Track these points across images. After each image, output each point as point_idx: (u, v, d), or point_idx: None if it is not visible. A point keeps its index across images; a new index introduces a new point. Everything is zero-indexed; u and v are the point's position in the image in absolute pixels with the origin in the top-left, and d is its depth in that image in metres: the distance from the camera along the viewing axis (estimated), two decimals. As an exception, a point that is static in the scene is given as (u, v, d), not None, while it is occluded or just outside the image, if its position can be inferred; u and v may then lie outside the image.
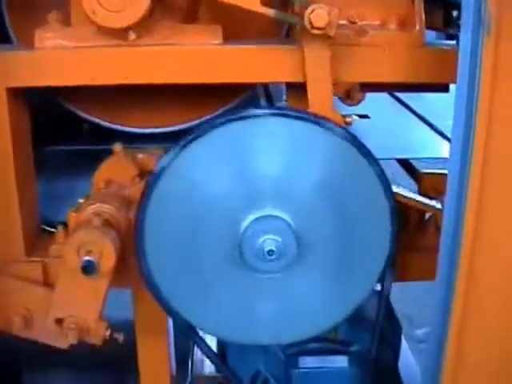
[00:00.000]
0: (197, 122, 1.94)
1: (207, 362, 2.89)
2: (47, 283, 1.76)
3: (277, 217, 1.53)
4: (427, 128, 2.67)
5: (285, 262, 1.55)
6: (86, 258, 1.52)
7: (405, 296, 3.19)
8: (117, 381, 2.79)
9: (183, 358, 2.80)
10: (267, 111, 1.54)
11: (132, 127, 2.01)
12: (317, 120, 1.52)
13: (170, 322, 1.98)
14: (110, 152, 1.78)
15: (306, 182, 1.54)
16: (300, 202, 1.55)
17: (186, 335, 1.72)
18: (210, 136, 1.53)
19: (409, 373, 2.48)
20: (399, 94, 3.00)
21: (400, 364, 2.25)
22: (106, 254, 1.53)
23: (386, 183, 1.55)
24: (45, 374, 2.55)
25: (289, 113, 1.53)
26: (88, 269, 1.52)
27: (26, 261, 1.76)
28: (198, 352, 2.91)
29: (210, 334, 1.73)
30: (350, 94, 1.88)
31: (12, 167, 1.67)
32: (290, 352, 2.03)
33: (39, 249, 1.80)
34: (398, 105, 2.97)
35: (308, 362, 1.98)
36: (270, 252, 1.53)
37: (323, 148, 1.54)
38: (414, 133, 2.68)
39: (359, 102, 1.93)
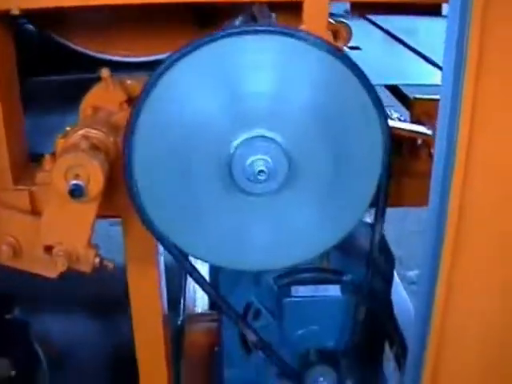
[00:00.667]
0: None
1: (199, 302, 2.89)
2: (35, 212, 1.74)
3: (267, 137, 1.50)
4: (419, 58, 2.64)
5: (275, 184, 1.53)
6: (74, 181, 1.50)
7: (397, 238, 3.21)
8: (110, 323, 2.80)
9: (175, 299, 2.81)
10: (256, 28, 1.50)
11: (119, 56, 1.97)
12: (309, 38, 1.48)
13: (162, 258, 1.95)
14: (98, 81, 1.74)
15: (297, 102, 1.51)
16: (291, 122, 1.51)
17: (179, 264, 1.68)
18: (195, 55, 1.49)
19: (402, 306, 2.47)
20: (392, 29, 2.97)
21: (393, 297, 2.24)
22: (94, 178, 1.51)
23: (380, 108, 1.52)
24: (35, 316, 2.53)
25: (280, 29, 1.49)
26: (76, 192, 1.50)
27: (13, 189, 1.74)
28: (189, 291, 2.92)
29: (200, 259, 1.71)
30: (337, 33, 1.85)
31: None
32: (282, 283, 2.01)
33: (27, 178, 1.78)
34: (389, 39, 2.93)
35: (300, 291, 1.97)
36: (261, 173, 1.50)
37: (315, 67, 1.51)
38: (405, 62, 2.65)
39: (347, 41, 1.90)
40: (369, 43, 2.72)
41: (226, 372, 2.22)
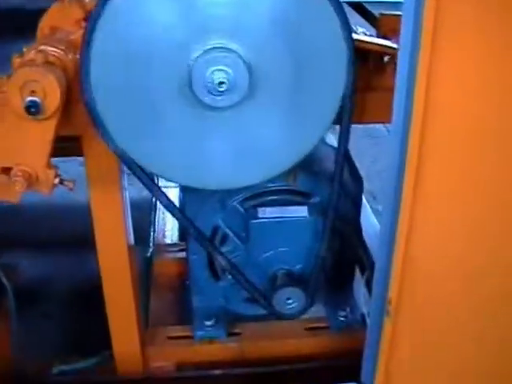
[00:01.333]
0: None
1: (168, 233, 2.89)
2: None
3: (227, 48, 1.48)
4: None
5: (236, 96, 1.51)
6: (30, 97, 1.46)
7: (369, 172, 3.20)
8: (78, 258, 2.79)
9: (144, 232, 2.80)
10: None
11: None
12: None
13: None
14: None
15: (258, 12, 1.48)
16: (252, 32, 1.49)
17: (145, 186, 1.67)
18: None
19: (371, 231, 2.48)
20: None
21: (362, 222, 2.24)
22: (51, 93, 1.47)
23: (343, 18, 1.50)
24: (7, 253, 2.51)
25: None
26: (32, 109, 1.46)
27: None
28: (159, 224, 2.91)
29: (160, 176, 1.70)
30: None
31: None
32: (249, 205, 2.00)
33: None
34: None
35: (267, 212, 1.96)
36: (221, 84, 1.48)
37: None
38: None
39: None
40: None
41: (194, 299, 2.22)
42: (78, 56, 1.59)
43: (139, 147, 1.59)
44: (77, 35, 1.67)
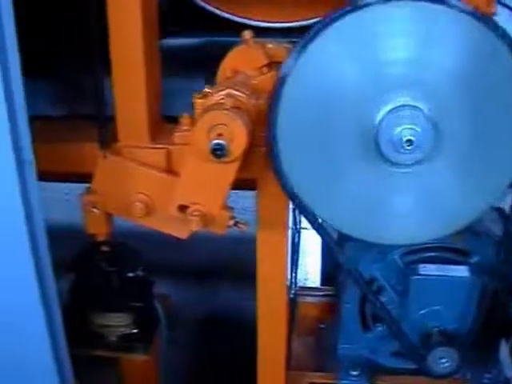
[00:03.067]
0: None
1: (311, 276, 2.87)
2: (170, 171, 1.74)
3: (413, 106, 1.46)
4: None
5: (421, 153, 1.49)
6: (217, 140, 1.47)
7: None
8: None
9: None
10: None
11: (254, 20, 1.93)
12: (456, 4, 1.44)
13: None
14: (230, 44, 1.75)
15: (441, 69, 1.46)
16: (436, 90, 1.47)
17: (311, 225, 1.66)
18: (339, 24, 1.46)
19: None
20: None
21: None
22: (238, 137, 1.48)
23: None
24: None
25: None
26: (218, 152, 1.48)
27: (149, 147, 1.74)
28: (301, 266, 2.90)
29: (334, 227, 1.68)
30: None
31: (141, 52, 1.66)
32: (409, 260, 1.97)
33: (163, 137, 1.77)
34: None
35: (428, 269, 1.92)
36: (408, 142, 1.46)
37: (462, 34, 1.46)
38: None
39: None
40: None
41: (341, 347, 2.19)
42: (259, 101, 1.62)
43: (317, 198, 1.60)
44: (258, 80, 1.69)
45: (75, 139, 1.82)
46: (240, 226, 1.63)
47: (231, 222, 1.63)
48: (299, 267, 2.77)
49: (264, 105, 1.59)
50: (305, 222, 1.95)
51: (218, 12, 1.97)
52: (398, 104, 1.49)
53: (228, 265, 3.23)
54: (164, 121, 1.85)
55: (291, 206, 1.77)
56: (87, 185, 1.78)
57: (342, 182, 1.58)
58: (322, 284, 2.82)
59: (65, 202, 3.60)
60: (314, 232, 2.78)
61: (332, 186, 1.58)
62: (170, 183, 1.69)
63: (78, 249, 2.05)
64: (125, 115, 1.72)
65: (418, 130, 1.47)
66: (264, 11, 1.96)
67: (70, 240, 1.93)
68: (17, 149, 1.42)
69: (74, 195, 1.77)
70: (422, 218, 1.60)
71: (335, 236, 1.86)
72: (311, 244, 3.18)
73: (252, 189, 1.87)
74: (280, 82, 1.50)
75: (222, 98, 1.56)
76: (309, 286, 2.80)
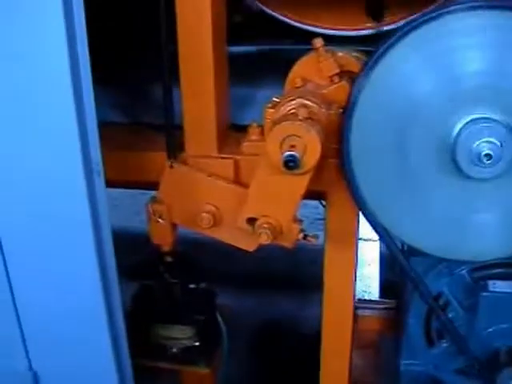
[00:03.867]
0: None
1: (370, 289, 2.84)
2: (238, 181, 1.72)
3: (492, 119, 1.42)
4: None
5: (500, 167, 1.45)
6: (289, 152, 1.44)
7: None
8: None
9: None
10: (480, 3, 1.40)
11: (322, 28, 1.90)
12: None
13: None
14: (294, 53, 1.71)
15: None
16: None
17: (380, 237, 1.63)
18: (414, 35, 1.43)
19: None
20: None
21: None
22: (312, 149, 1.45)
23: None
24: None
25: (498, 4, 1.39)
26: (291, 163, 1.44)
27: (217, 157, 1.72)
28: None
29: (405, 242, 1.65)
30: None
31: (211, 59, 1.63)
32: (478, 276, 1.92)
33: (231, 147, 1.75)
34: None
35: (498, 286, 1.87)
36: (487, 156, 1.42)
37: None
38: None
39: None
40: None
41: (403, 363, 2.14)
42: (330, 111, 1.58)
43: (389, 211, 1.57)
44: (329, 90, 1.65)
45: (142, 148, 1.82)
46: (309, 239, 1.60)
47: (300, 236, 1.60)
48: (358, 278, 2.74)
49: (335, 115, 1.57)
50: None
51: (287, 20, 1.93)
52: (476, 117, 1.43)
53: (284, 273, 3.19)
54: (231, 130, 1.83)
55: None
56: (153, 193, 1.77)
57: (416, 196, 1.54)
58: (381, 296, 2.76)
59: (113, 208, 3.64)
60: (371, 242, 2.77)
61: (406, 199, 1.55)
62: (238, 194, 1.67)
63: (142, 257, 2.02)
64: (193, 124, 1.70)
65: (497, 143, 1.42)
66: (333, 19, 1.92)
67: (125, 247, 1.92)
68: (86, 159, 1.41)
69: (124, 201, 1.76)
70: (501, 233, 1.56)
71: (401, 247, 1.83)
72: (368, 254, 3.15)
73: (313, 198, 1.84)
74: (354, 94, 1.48)
75: (294, 108, 1.52)
76: (368, 298, 2.71)
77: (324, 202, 1.80)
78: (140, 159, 1.77)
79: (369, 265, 2.97)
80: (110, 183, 1.52)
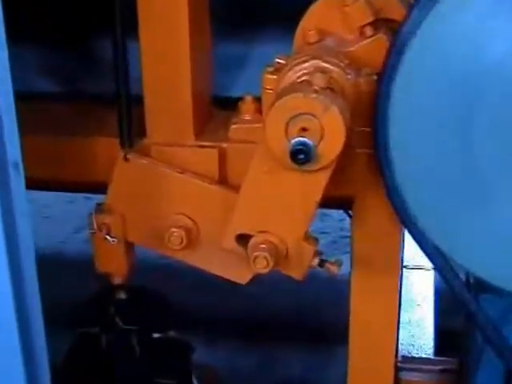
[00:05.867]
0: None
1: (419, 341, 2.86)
2: (223, 181, 1.72)
3: None
4: None
5: None
6: (299, 138, 1.43)
7: None
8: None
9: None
10: None
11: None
12: None
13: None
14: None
15: None
16: None
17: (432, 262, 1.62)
18: None
19: None
20: None
21: None
22: (331, 134, 1.43)
23: None
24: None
25: None
26: (301, 155, 1.43)
27: (194, 145, 1.73)
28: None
29: (479, 274, 1.64)
30: None
31: (185, 4, 1.64)
32: None
33: (213, 130, 1.77)
34: None
35: None
36: None
37: None
38: None
39: None
40: None
41: None
42: (359, 79, 1.59)
43: (445, 226, 1.57)
44: (358, 47, 1.65)
45: (84, 131, 1.82)
46: (329, 266, 1.60)
47: (315, 262, 1.59)
48: (401, 325, 2.75)
49: (366, 84, 1.57)
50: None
51: None
52: None
53: (291, 317, 3.21)
54: (214, 106, 1.84)
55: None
56: (100, 198, 1.77)
57: (482, 206, 1.54)
58: (436, 353, 2.77)
59: (43, 221, 3.64)
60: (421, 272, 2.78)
61: (468, 210, 1.54)
62: (223, 200, 1.67)
63: (83, 293, 2.03)
64: (158, 97, 1.70)
65: None
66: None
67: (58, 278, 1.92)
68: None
69: (58, 210, 1.77)
70: None
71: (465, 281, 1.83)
72: (418, 290, 3.16)
73: (335, 207, 1.87)
74: (396, 52, 1.46)
75: (306, 74, 1.52)
76: (417, 355, 2.72)
77: (351, 212, 1.79)
78: (81, 148, 1.77)
79: (418, 305, 2.96)
80: (35, 183, 1.51)
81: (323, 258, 1.60)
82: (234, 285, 1.71)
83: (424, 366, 2.58)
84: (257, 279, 1.65)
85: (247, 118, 1.65)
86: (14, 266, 1.41)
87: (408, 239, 1.67)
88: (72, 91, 1.97)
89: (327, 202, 1.63)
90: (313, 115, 1.43)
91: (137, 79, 1.68)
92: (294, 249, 1.59)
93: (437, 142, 1.50)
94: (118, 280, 1.82)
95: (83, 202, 1.90)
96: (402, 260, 1.82)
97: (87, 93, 1.94)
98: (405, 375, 2.53)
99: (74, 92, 1.97)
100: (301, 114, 1.43)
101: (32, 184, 1.45)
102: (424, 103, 1.48)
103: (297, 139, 1.44)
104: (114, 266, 1.78)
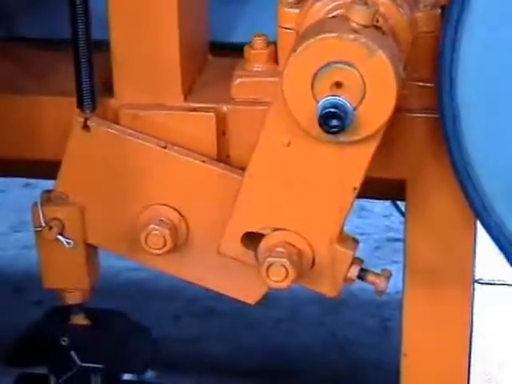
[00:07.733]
0: None
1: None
2: (222, 158, 1.74)
3: None
4: None
5: None
6: (333, 97, 1.43)
7: None
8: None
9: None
10: None
11: None
12: None
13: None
14: None
15: None
16: None
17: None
18: None
19: None
20: None
21: None
22: (378, 91, 1.44)
23: None
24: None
25: None
26: (334, 121, 1.43)
27: (183, 107, 1.75)
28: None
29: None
30: None
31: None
32: None
33: (210, 86, 1.80)
34: None
35: None
36: None
37: None
38: None
39: None
40: None
41: None
42: (417, 14, 1.60)
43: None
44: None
45: (26, 88, 1.84)
46: (374, 280, 1.60)
47: (354, 272, 1.59)
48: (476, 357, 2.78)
49: (427, 21, 1.59)
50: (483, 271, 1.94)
51: None
52: None
53: (319, 354, 3.25)
54: (211, 52, 1.88)
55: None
56: (48, 184, 1.78)
57: None
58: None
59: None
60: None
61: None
62: (224, 185, 1.68)
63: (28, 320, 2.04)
64: (130, 43, 1.72)
65: None
66: None
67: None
68: None
69: None
70: None
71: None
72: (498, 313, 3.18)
73: (381, 197, 1.84)
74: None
75: (340, 6, 1.53)
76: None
77: (402, 205, 1.80)
78: (20, 112, 1.78)
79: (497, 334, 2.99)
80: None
81: (365, 267, 1.59)
82: (238, 307, 1.71)
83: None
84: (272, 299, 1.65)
85: (256, 68, 1.65)
86: None
87: (482, 239, 1.66)
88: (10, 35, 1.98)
89: (369, 190, 1.64)
90: (351, 64, 1.44)
91: (101, 19, 1.67)
92: (324, 254, 1.59)
93: None
94: (73, 299, 1.81)
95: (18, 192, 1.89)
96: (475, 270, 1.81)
97: (30, 37, 1.93)
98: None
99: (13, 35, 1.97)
100: (334, 62, 1.44)
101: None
102: (502, 48, 1.51)
103: (328, 99, 1.45)
104: (69, 279, 1.78)
